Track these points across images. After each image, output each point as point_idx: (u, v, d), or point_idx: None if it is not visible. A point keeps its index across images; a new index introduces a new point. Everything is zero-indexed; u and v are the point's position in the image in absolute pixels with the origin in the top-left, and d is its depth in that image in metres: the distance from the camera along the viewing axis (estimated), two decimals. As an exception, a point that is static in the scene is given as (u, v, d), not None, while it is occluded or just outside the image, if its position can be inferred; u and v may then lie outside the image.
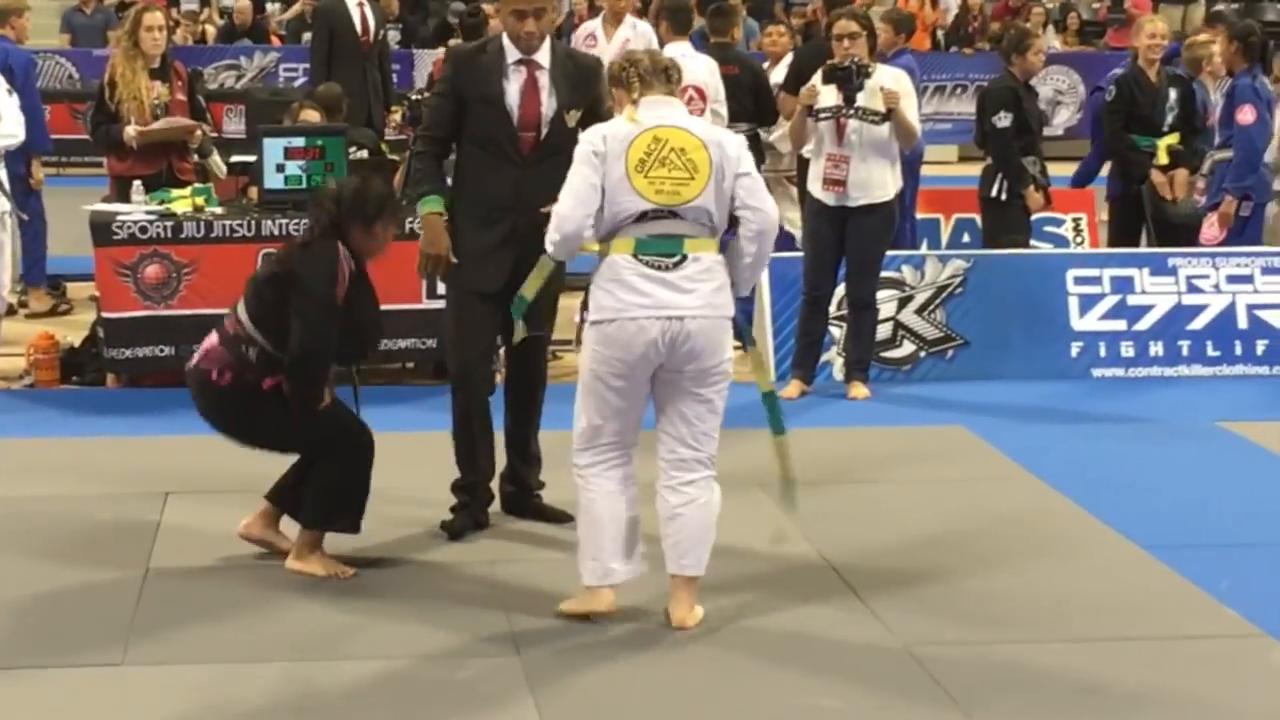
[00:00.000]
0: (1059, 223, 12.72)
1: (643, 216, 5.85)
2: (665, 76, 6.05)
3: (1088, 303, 10.32)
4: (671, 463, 5.99)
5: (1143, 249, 11.29)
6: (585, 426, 5.97)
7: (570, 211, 5.87)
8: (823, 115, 9.36)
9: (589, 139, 5.96)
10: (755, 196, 5.96)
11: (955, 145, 20.17)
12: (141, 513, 7.14)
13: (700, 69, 10.96)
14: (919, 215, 12.62)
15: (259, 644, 5.84)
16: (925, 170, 12.96)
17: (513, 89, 6.76)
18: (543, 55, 6.80)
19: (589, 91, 6.79)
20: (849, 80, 9.22)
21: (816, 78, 9.45)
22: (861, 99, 9.24)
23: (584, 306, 6.04)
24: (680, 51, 10.69)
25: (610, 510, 5.94)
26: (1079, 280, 10.37)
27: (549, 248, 5.95)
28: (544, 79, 6.78)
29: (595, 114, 6.58)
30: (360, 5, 12.91)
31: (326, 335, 6.21)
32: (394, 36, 20.10)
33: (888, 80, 9.30)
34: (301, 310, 6.20)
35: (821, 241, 9.51)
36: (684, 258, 5.87)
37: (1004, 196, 10.72)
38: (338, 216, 6.32)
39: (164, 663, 5.68)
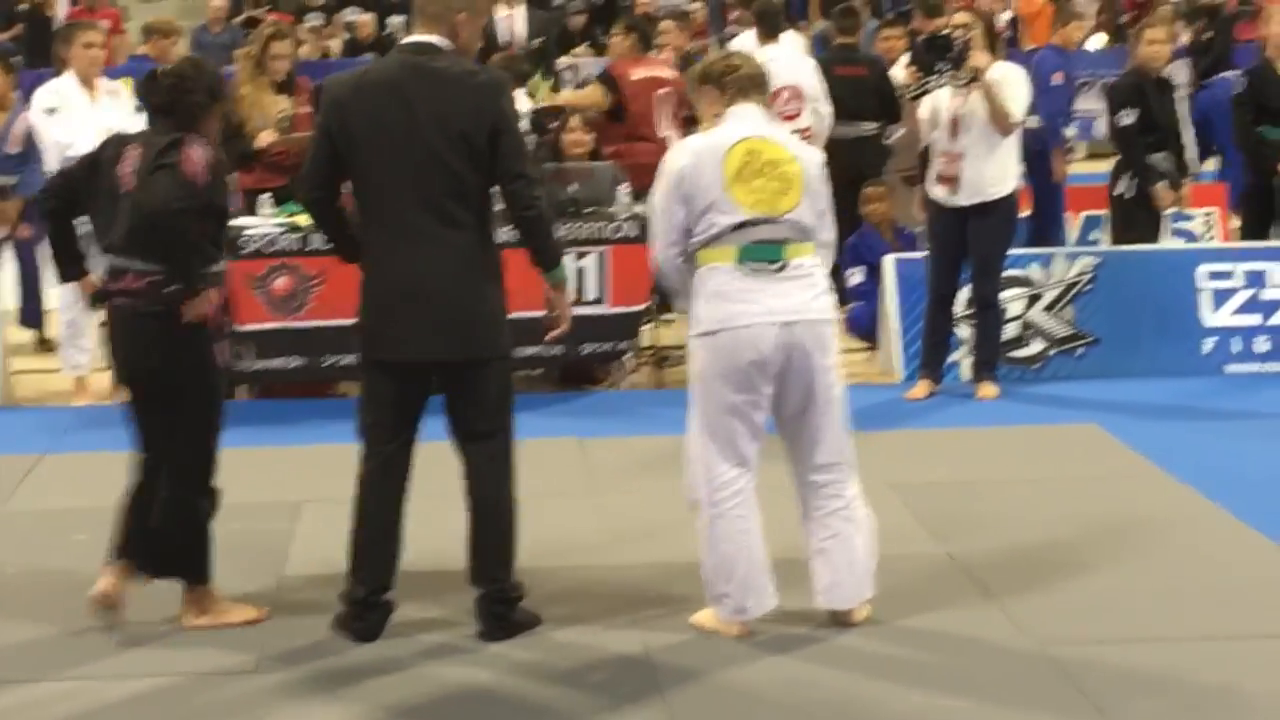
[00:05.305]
0: (1189, 218, 12.54)
1: (741, 225, 5.83)
2: (759, 88, 6.03)
3: (1220, 298, 10.18)
4: (807, 467, 5.96)
5: (1276, 243, 11.11)
6: (705, 455, 5.90)
7: (658, 253, 5.94)
8: (911, 94, 9.35)
9: (676, 160, 5.90)
10: (829, 230, 6.05)
11: (1084, 142, 19.92)
12: (275, 522, 7.24)
13: (799, 69, 10.99)
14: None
15: (387, 650, 5.87)
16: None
17: None
18: None
19: None
20: (947, 49, 9.14)
21: (905, 59, 9.48)
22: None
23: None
24: (773, 55, 10.71)
25: (741, 549, 5.87)
26: (1211, 275, 10.24)
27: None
28: None
29: None
30: (509, 16, 12.85)
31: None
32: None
33: (996, 72, 9.22)
34: None
35: (942, 241, 9.45)
36: (785, 263, 5.85)
37: (1131, 195, 10.61)
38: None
39: (298, 669, 5.74)
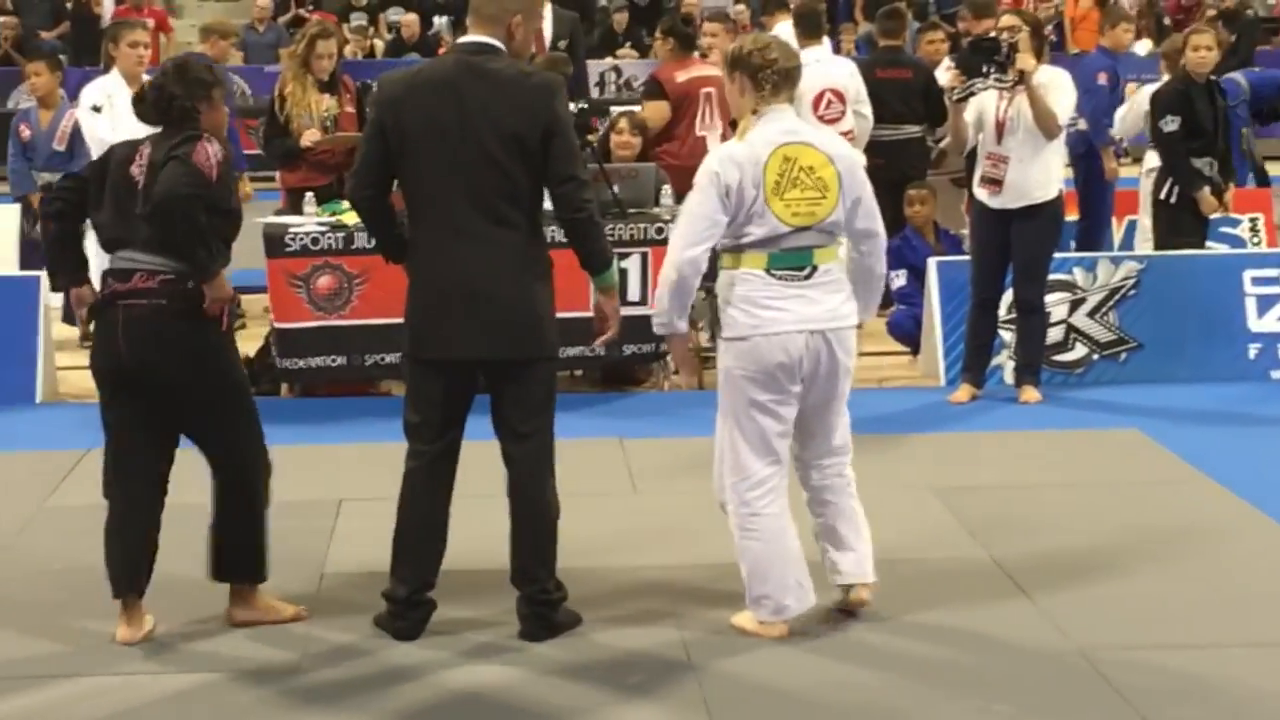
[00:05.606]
0: (1235, 223, 12.48)
1: (776, 235, 5.84)
2: (792, 84, 5.98)
3: (1266, 303, 10.13)
4: (819, 454, 6.03)
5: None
6: (736, 454, 5.93)
7: (684, 252, 5.81)
8: (957, 96, 9.26)
9: (718, 165, 5.84)
10: (870, 219, 5.98)
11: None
12: (317, 520, 7.26)
13: (839, 72, 10.95)
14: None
15: (428, 649, 5.89)
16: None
17: None
18: None
19: None
20: (995, 50, 9.08)
21: (947, 62, 9.40)
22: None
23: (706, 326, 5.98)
24: (815, 56, 10.67)
25: (775, 549, 5.90)
26: (1256, 281, 10.18)
27: (661, 302, 5.90)
28: None
29: None
30: None
31: None
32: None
33: (1043, 76, 9.16)
34: None
35: (986, 244, 9.41)
36: (814, 269, 5.86)
37: (1173, 199, 10.58)
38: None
39: (340, 667, 5.76)
